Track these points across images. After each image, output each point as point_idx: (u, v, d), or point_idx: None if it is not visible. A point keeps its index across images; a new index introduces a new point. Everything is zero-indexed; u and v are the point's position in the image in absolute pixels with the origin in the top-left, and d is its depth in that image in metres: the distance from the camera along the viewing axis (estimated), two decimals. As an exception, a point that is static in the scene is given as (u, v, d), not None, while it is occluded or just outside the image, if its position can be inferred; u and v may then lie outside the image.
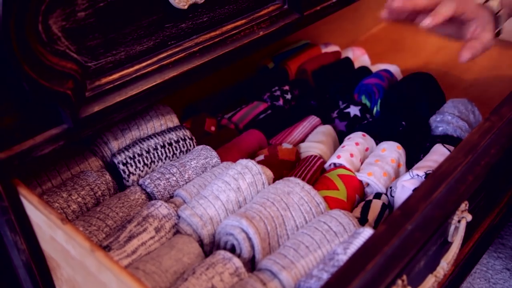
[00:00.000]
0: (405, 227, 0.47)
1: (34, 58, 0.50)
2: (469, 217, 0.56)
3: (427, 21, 0.67)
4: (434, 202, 0.50)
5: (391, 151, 0.72)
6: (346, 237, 0.55)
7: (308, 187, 0.60)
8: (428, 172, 0.65)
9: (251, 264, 0.56)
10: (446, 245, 0.58)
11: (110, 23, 0.56)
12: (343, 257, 0.51)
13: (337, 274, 0.43)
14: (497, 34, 0.76)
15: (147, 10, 0.59)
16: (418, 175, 0.65)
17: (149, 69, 0.62)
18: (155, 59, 0.62)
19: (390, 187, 0.68)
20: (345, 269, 0.44)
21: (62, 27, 0.52)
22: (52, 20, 0.51)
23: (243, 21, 0.70)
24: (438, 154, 0.69)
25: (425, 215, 0.49)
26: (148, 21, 0.60)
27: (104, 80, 0.58)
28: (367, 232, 0.52)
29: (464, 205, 0.55)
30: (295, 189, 0.60)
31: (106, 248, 0.55)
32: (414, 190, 0.64)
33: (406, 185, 0.64)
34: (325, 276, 0.49)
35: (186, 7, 0.61)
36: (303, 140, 0.80)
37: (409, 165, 0.75)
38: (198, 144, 0.74)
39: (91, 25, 0.54)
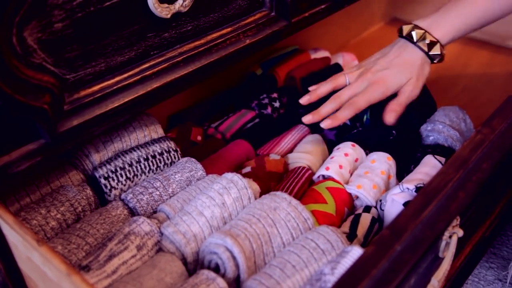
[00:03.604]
0: (394, 248, 0.46)
1: (8, 72, 0.48)
2: (460, 233, 0.55)
3: (326, 123, 0.71)
4: (424, 221, 0.48)
5: (381, 162, 0.70)
6: (334, 254, 0.54)
7: (295, 202, 0.58)
8: (418, 185, 0.63)
9: (236, 284, 0.54)
10: (437, 260, 0.57)
11: (89, 33, 0.54)
12: (330, 278, 0.49)
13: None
14: (440, 60, 0.77)
15: (128, 20, 0.57)
16: (408, 188, 0.63)
17: (131, 80, 0.60)
18: (137, 69, 0.60)
19: (380, 200, 0.66)
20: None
21: (38, 39, 0.50)
22: (27, 32, 0.49)
23: (229, 29, 0.68)
24: (429, 166, 0.68)
25: (415, 235, 0.47)
26: (129, 31, 0.57)
27: (83, 93, 0.56)
28: (355, 251, 0.50)
29: (455, 220, 0.54)
30: (282, 204, 0.58)
31: (86, 268, 0.53)
32: (404, 205, 0.62)
33: (396, 199, 0.63)
34: (312, 298, 0.47)
35: (169, 16, 0.59)
36: (291, 150, 0.78)
37: (400, 175, 0.73)
38: (183, 154, 0.72)
39: (68, 36, 0.52)
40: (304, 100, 0.75)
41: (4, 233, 0.55)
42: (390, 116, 0.74)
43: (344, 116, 0.71)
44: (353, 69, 0.78)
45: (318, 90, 0.76)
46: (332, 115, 0.72)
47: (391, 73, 0.74)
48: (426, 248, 0.47)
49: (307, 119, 0.72)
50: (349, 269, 0.44)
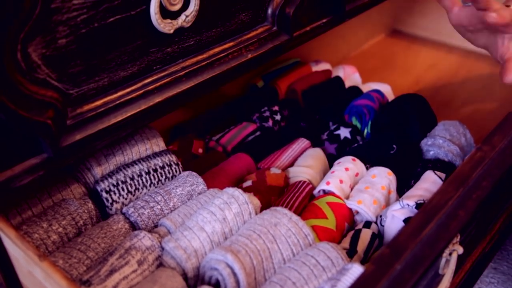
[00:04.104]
0: (395, 267, 0.46)
1: (12, 87, 0.48)
2: (460, 250, 0.55)
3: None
4: (424, 240, 0.48)
5: (382, 178, 0.70)
6: (334, 271, 0.54)
7: (295, 218, 0.59)
8: (418, 201, 0.63)
9: (237, 300, 0.54)
10: (437, 277, 0.57)
11: (93, 49, 0.54)
12: (330, 296, 0.49)
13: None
14: None
15: (131, 36, 0.57)
16: (408, 204, 0.64)
17: (134, 95, 0.60)
18: (139, 84, 0.61)
19: (380, 216, 0.67)
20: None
21: (42, 55, 0.50)
22: (32, 48, 0.49)
23: (231, 43, 0.69)
24: (429, 182, 0.68)
25: (415, 254, 0.47)
26: (132, 46, 0.58)
27: (86, 108, 0.57)
28: (355, 269, 0.51)
29: (455, 238, 0.54)
30: (283, 220, 0.58)
31: (87, 283, 0.53)
32: (405, 221, 0.62)
33: (396, 215, 0.63)
34: (312, 316, 0.48)
35: (172, 31, 0.59)
36: (292, 163, 0.78)
37: (400, 190, 0.73)
38: (185, 167, 0.72)
39: (72, 52, 0.53)
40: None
41: (6, 246, 0.55)
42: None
43: None
44: None
45: None
46: None
47: None
48: (426, 267, 0.47)
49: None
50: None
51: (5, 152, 0.52)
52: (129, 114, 0.60)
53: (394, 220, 0.63)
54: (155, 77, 0.62)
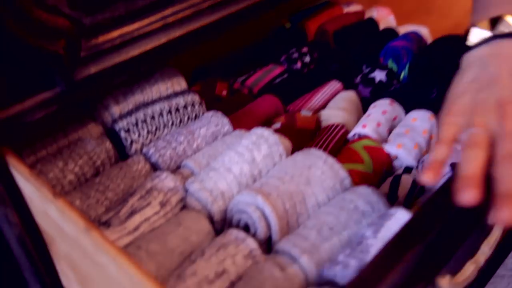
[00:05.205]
0: (447, 210, 0.41)
1: (21, 14, 0.43)
2: None
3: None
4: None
5: (423, 121, 0.65)
6: (375, 218, 0.49)
7: (331, 160, 0.54)
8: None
9: (267, 246, 0.50)
10: (486, 229, 0.52)
11: (108, -28, 0.49)
12: (373, 242, 0.44)
13: (371, 266, 0.37)
14: None
15: (150, -43, 0.51)
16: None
17: (152, 27, 0.55)
18: (159, 16, 0.56)
19: (422, 161, 0.61)
20: (380, 260, 0.37)
21: (53, -22, 0.45)
22: (41, -31, 0.44)
23: (260, -28, 0.63)
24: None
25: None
26: (152, -30, 0.52)
27: (101, 39, 0.52)
28: (401, 215, 0.46)
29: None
30: (317, 162, 0.53)
31: (105, 224, 0.49)
32: (451, 166, 0.57)
33: (441, 159, 0.57)
34: (353, 263, 0.43)
35: (195, -48, 0.53)
36: (323, 106, 0.73)
37: (441, 136, 0.67)
38: (208, 109, 0.67)
39: (85, -25, 0.47)
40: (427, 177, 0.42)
41: (20, 186, 0.51)
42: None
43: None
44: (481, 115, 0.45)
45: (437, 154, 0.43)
46: None
47: None
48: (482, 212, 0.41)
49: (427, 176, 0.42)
50: (399, 233, 0.39)
51: (15, 85, 0.49)
52: (148, 48, 0.56)
53: (439, 165, 0.57)
54: (175, 8, 0.58)
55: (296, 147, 0.64)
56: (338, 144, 0.63)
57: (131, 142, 0.59)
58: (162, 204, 0.51)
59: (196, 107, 0.64)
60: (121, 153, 0.61)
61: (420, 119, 0.65)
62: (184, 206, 0.53)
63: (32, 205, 0.52)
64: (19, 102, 0.49)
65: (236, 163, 0.53)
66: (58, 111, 0.52)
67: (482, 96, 0.46)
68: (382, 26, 0.96)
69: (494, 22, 0.54)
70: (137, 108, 0.62)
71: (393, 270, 0.37)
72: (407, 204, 0.57)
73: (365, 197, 0.50)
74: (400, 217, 0.46)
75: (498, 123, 0.43)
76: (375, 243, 0.44)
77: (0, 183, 0.50)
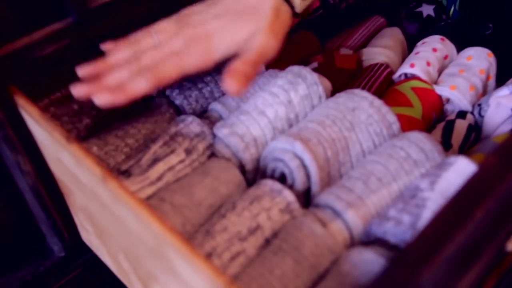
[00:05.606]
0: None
1: None
2: None
3: (104, 98, 0.43)
4: None
5: (480, 60, 0.57)
6: (429, 167, 0.43)
7: (378, 102, 0.47)
8: (533, 85, 0.50)
9: (306, 198, 0.44)
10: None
11: None
12: (429, 194, 0.38)
13: (433, 223, 0.31)
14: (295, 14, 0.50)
15: None
16: (519, 89, 0.51)
17: None
18: None
19: (479, 104, 0.54)
20: (444, 216, 0.32)
21: None
22: None
23: None
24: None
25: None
26: None
27: (117, -42, 0.45)
28: (461, 164, 0.39)
29: None
30: (362, 104, 0.47)
31: (125, 173, 0.44)
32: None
33: (504, 103, 0.50)
34: (407, 219, 0.38)
35: None
36: (365, 44, 0.65)
37: (499, 78, 0.60)
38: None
39: None
40: (82, 72, 0.46)
41: (32, 130, 0.46)
42: (231, 81, 0.43)
43: (137, 89, 0.44)
44: (167, 22, 0.48)
45: (109, 59, 0.47)
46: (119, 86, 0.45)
47: (221, 25, 0.46)
48: None
49: (77, 90, 0.44)
50: (466, 186, 0.33)
51: (21, 15, 0.43)
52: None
53: (500, 109, 0.51)
54: None
55: (336, 89, 0.57)
56: (383, 86, 0.56)
57: (153, 82, 0.53)
58: (188, 151, 0.46)
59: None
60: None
61: (476, 57, 0.58)
62: (212, 153, 0.47)
63: (45, 153, 0.48)
64: (26, 34, 0.44)
65: (270, 105, 0.47)
66: (70, 45, 0.47)
67: None
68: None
69: None
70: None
71: (461, 228, 0.31)
72: (461, 152, 0.51)
73: (418, 143, 0.44)
74: (461, 167, 0.39)
75: None
76: (433, 197, 0.38)
77: (9, 126, 0.46)
